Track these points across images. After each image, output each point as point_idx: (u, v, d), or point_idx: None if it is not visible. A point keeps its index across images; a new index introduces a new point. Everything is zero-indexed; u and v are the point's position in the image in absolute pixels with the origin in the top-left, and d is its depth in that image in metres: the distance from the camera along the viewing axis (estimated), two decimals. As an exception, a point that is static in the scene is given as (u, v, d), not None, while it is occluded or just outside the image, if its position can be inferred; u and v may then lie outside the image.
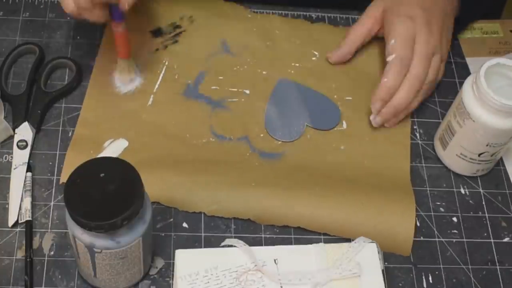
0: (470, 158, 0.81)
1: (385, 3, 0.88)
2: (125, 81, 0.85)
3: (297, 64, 0.90)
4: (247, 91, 0.87)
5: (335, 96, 0.88)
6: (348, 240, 0.76)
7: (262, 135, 0.84)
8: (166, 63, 0.88)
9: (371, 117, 0.85)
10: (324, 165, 0.82)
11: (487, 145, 0.79)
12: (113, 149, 0.81)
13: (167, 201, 0.78)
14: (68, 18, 0.91)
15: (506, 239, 0.80)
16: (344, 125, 0.86)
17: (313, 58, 0.91)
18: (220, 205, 0.78)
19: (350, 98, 0.88)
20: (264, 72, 0.89)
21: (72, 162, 0.78)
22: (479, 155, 0.80)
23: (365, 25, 0.89)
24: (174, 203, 0.78)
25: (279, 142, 0.84)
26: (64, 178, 0.78)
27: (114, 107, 0.84)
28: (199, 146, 0.82)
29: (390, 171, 0.83)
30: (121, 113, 0.84)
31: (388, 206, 0.79)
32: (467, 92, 0.77)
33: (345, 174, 0.82)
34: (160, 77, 0.87)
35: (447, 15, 0.88)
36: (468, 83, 0.78)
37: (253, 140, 0.83)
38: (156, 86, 0.86)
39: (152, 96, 0.85)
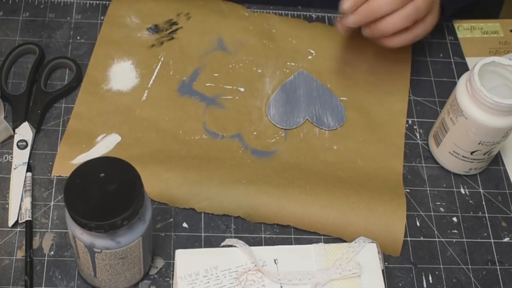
0: (463, 156, 0.81)
1: None
2: None
3: (293, 64, 0.90)
4: (242, 89, 0.87)
5: None
6: (340, 239, 0.77)
7: (255, 133, 0.84)
8: (162, 59, 0.88)
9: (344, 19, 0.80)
10: (317, 164, 0.82)
11: (479, 143, 0.78)
12: (106, 143, 0.81)
13: (158, 196, 0.78)
14: (68, 18, 0.91)
15: (506, 239, 0.80)
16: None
17: (309, 57, 0.91)
18: (211, 202, 0.78)
19: (345, 98, 0.88)
20: (259, 71, 0.89)
21: (64, 155, 0.79)
22: (471, 153, 0.80)
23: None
24: (165, 199, 0.78)
25: (272, 141, 0.84)
26: (56, 171, 0.79)
27: (108, 102, 0.84)
28: (192, 143, 0.82)
29: (383, 172, 0.83)
30: (115, 108, 0.84)
31: (379, 206, 0.79)
32: (461, 89, 0.77)
33: (337, 173, 0.82)
34: (155, 73, 0.87)
35: None
36: (462, 80, 0.78)
37: (246, 137, 0.83)
38: (151, 81, 0.86)
39: (146, 91, 0.85)
